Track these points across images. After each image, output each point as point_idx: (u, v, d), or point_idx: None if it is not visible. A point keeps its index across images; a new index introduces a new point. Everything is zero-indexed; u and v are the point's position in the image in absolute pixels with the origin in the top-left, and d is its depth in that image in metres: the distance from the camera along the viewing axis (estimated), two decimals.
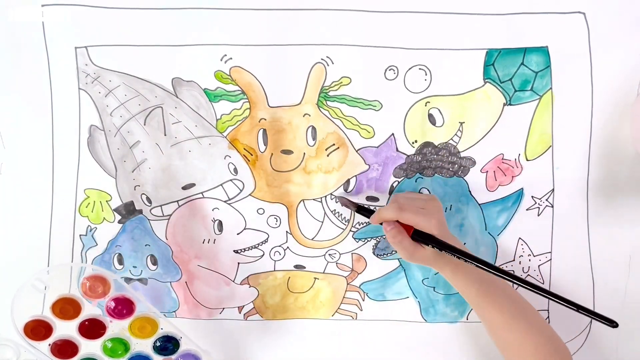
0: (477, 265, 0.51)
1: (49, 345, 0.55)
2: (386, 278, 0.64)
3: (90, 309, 0.55)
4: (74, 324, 0.55)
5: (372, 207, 0.59)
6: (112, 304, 0.55)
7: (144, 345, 0.58)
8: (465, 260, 0.51)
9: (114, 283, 0.54)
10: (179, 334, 0.58)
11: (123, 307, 0.55)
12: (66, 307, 0.53)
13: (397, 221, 0.54)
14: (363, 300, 0.65)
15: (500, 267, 0.63)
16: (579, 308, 0.46)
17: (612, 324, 0.45)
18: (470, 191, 0.61)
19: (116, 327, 0.56)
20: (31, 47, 0.54)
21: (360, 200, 0.61)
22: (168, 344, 0.58)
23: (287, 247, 0.63)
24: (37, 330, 0.53)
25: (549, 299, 0.47)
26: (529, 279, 0.63)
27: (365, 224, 0.62)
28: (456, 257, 0.51)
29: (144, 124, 0.57)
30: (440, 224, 0.53)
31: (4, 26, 0.53)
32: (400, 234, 0.53)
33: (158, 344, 0.58)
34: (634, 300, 0.62)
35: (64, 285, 0.61)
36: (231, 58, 0.55)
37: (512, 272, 0.63)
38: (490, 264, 0.50)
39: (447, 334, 0.66)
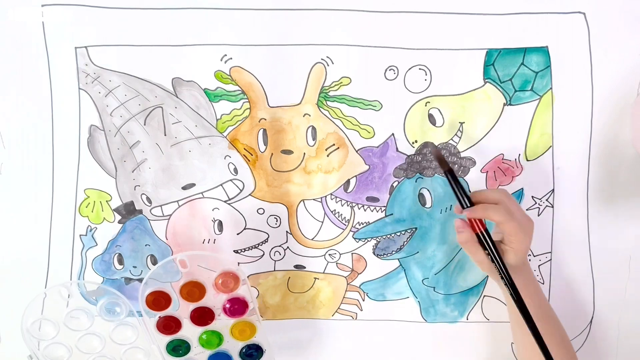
0: (511, 295, 0.50)
1: (159, 317, 0.58)
2: (386, 278, 0.64)
3: (210, 299, 0.57)
4: (191, 307, 0.57)
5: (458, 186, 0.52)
6: (232, 301, 0.57)
7: (232, 346, 0.60)
8: (505, 284, 0.50)
9: (242, 283, 0.56)
10: (266, 345, 0.61)
11: (239, 307, 0.58)
12: (193, 290, 0.56)
13: (479, 220, 0.51)
14: (363, 300, 0.65)
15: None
16: None
17: None
18: (470, 191, 0.61)
19: (221, 323, 0.59)
20: (31, 47, 0.54)
21: (360, 200, 0.61)
22: (255, 352, 0.61)
23: (287, 247, 0.63)
24: (158, 301, 0.56)
25: None
26: None
27: (365, 224, 0.62)
28: (502, 278, 0.51)
29: (144, 124, 0.57)
30: (525, 250, 0.52)
31: (4, 26, 0.53)
32: (468, 233, 0.52)
33: (245, 350, 0.61)
34: (634, 300, 0.62)
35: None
36: (231, 58, 0.55)
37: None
38: (527, 311, 0.50)
39: (447, 334, 0.66)
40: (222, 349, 0.60)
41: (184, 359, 0.60)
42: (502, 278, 0.51)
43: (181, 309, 0.59)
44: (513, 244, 0.51)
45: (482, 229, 0.51)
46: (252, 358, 0.61)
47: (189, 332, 0.59)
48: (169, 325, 0.58)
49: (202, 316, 0.58)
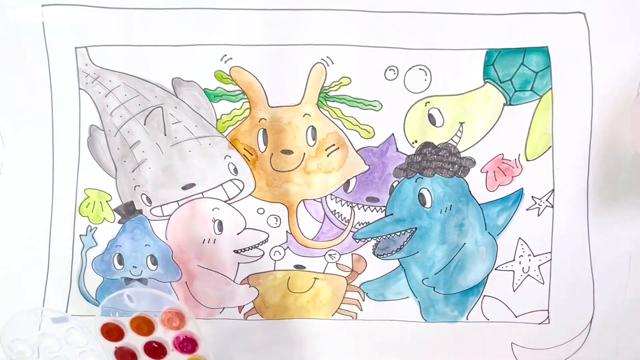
0: None
1: (115, 347, 0.57)
2: (386, 278, 0.64)
3: (161, 334, 0.57)
4: (143, 340, 0.57)
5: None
6: (181, 339, 0.57)
7: None
8: None
9: (189, 322, 0.57)
10: None
11: (188, 344, 0.57)
12: (142, 325, 0.56)
13: None
14: (363, 300, 0.65)
15: (499, 267, 0.63)
16: None
17: None
18: (470, 191, 0.61)
19: (173, 358, 0.58)
20: (31, 47, 0.54)
21: (360, 200, 0.61)
22: None
23: (287, 247, 0.63)
24: (112, 332, 0.57)
25: None
26: (528, 278, 0.64)
27: (365, 224, 0.62)
28: None
29: (144, 124, 0.57)
30: None
31: (4, 26, 0.53)
32: None
33: None
34: (634, 300, 0.62)
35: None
36: (231, 58, 0.55)
37: (512, 271, 0.63)
38: None
39: (447, 334, 0.66)
40: None
41: None
42: None
43: (136, 341, 0.58)
44: None
45: None
46: None
47: None
48: (124, 356, 0.58)
49: (155, 351, 0.57)
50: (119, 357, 0.58)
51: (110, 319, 0.56)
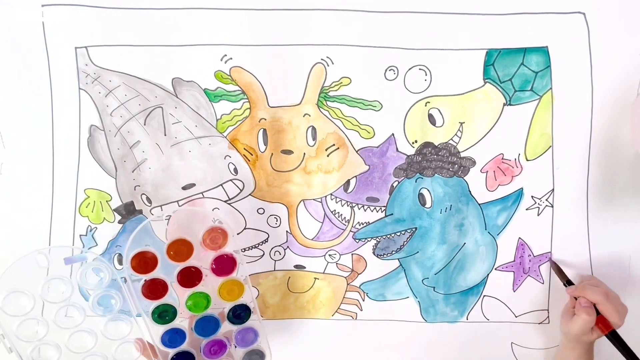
0: None
1: (144, 280, 0.55)
2: (386, 278, 0.64)
3: (197, 258, 0.55)
4: (179, 267, 0.56)
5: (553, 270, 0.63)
6: (221, 259, 0.56)
7: (219, 308, 0.59)
8: None
9: (231, 240, 0.55)
10: (252, 304, 0.59)
11: (227, 265, 0.56)
12: (181, 249, 0.54)
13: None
14: (363, 300, 0.65)
15: (499, 267, 0.64)
16: None
17: None
18: (470, 191, 0.61)
19: (208, 283, 0.57)
20: (31, 47, 0.54)
21: (360, 200, 0.61)
22: (243, 312, 0.59)
23: (287, 247, 0.63)
24: (143, 264, 0.54)
25: None
26: (528, 279, 0.64)
27: (365, 224, 0.62)
28: None
29: (144, 124, 0.57)
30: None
31: (4, 26, 0.53)
32: (591, 320, 0.56)
33: (233, 311, 0.59)
34: (634, 300, 0.62)
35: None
36: (231, 58, 0.55)
37: (512, 272, 0.63)
38: None
39: (447, 334, 0.66)
40: (209, 312, 0.58)
41: (170, 326, 0.57)
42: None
43: (167, 271, 0.56)
44: (612, 321, 0.56)
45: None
46: (240, 319, 0.59)
47: (175, 296, 0.57)
48: (155, 288, 0.55)
49: (190, 277, 0.56)
50: (147, 290, 0.55)
51: (143, 248, 0.55)
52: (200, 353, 0.59)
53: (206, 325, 0.58)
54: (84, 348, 0.57)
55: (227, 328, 0.60)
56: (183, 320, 0.59)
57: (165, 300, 0.56)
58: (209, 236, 0.55)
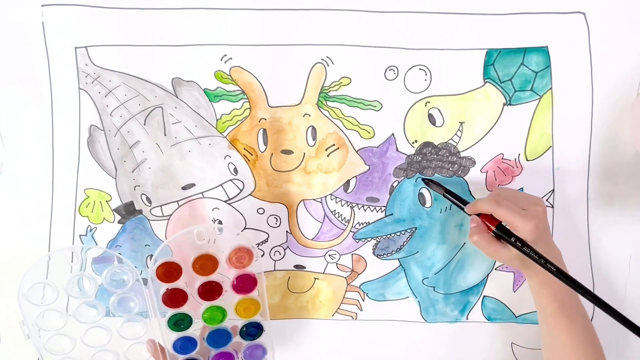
0: (558, 277, 0.47)
1: (166, 289, 0.56)
2: (386, 278, 0.64)
3: (221, 275, 0.57)
4: (201, 280, 0.57)
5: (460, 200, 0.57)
6: (243, 278, 0.57)
7: (233, 323, 0.60)
8: (544, 267, 0.48)
9: (255, 261, 0.57)
10: (266, 323, 0.60)
11: (247, 284, 0.57)
12: (206, 264, 0.56)
13: (489, 216, 0.52)
14: (363, 300, 0.65)
15: (500, 267, 0.63)
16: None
17: None
18: (470, 191, 0.61)
19: (226, 299, 0.58)
20: (31, 47, 0.54)
21: (360, 200, 0.61)
22: (255, 330, 0.60)
23: (287, 247, 0.63)
24: (168, 273, 0.56)
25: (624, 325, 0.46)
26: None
27: (365, 224, 0.62)
28: (538, 263, 0.48)
29: (144, 124, 0.57)
30: (537, 230, 0.50)
31: (4, 26, 0.53)
32: (477, 233, 0.53)
33: (245, 328, 0.60)
34: (634, 300, 0.62)
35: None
36: (231, 58, 0.55)
37: (512, 272, 0.63)
38: (573, 278, 0.47)
39: (447, 334, 0.66)
40: (222, 325, 0.59)
41: (184, 334, 0.58)
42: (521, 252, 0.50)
43: (189, 282, 0.57)
44: (514, 225, 0.51)
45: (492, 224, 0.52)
46: (252, 337, 0.60)
47: (193, 307, 0.58)
48: (175, 297, 0.56)
49: (211, 291, 0.57)
50: (167, 299, 0.56)
51: (171, 258, 0.56)
52: None
53: (218, 338, 0.59)
54: (97, 343, 0.59)
55: (237, 340, 0.61)
56: (196, 330, 0.60)
57: (183, 309, 0.57)
58: (235, 255, 0.56)
